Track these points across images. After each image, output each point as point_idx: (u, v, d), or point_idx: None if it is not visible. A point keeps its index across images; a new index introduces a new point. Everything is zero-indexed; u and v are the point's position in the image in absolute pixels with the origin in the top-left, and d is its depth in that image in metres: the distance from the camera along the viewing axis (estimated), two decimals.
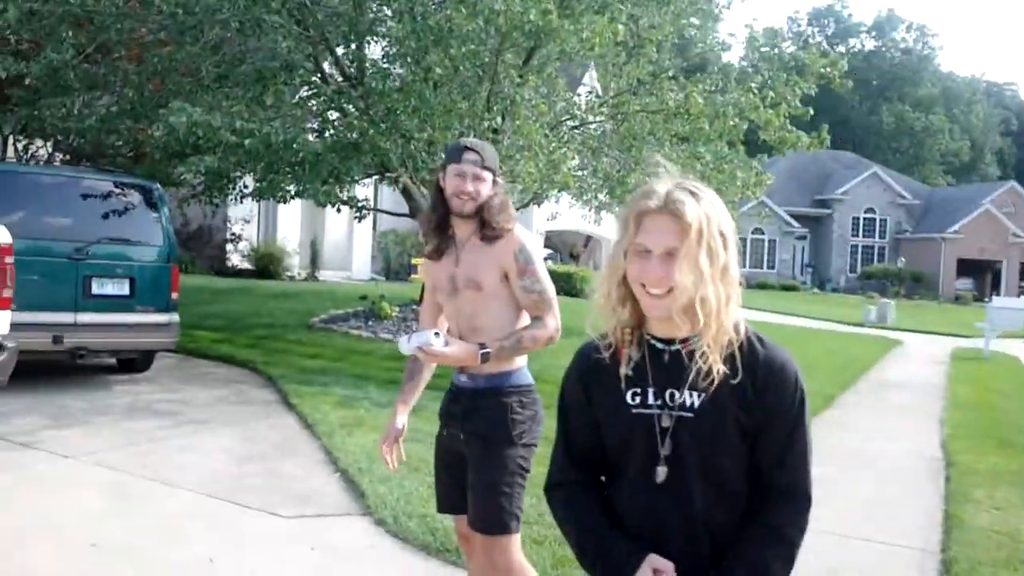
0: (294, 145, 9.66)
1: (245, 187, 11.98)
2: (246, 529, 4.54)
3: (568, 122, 12.28)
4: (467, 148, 2.82)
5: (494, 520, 2.78)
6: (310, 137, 10.72)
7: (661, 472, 1.60)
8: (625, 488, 1.67)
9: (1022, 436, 8.29)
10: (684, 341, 1.63)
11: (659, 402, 1.62)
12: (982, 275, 45.62)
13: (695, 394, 1.60)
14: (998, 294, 36.70)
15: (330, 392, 7.85)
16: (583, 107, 12.51)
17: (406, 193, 12.23)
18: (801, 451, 1.61)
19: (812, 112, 11.98)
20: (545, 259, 3.02)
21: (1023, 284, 44.90)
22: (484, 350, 2.74)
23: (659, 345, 1.65)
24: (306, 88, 11.69)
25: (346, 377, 8.66)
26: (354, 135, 10.18)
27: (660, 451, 1.60)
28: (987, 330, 17.18)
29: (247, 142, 9.36)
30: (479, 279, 2.82)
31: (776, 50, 12.78)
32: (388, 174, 11.39)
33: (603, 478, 1.76)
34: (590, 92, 14.50)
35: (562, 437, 1.77)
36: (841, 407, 9.57)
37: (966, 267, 45.15)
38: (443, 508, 3.04)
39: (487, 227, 2.81)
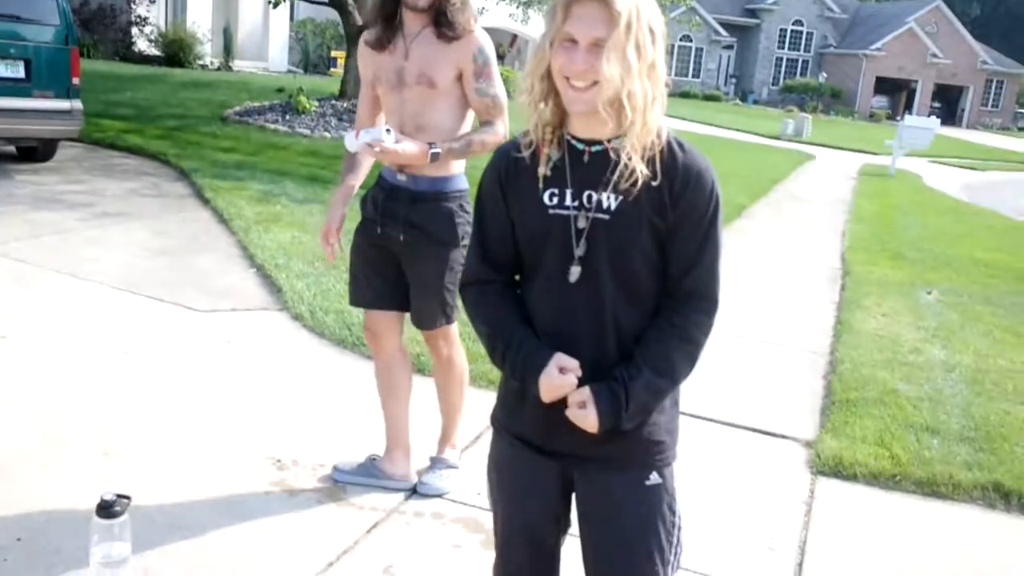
0: None
1: None
2: (160, 322, 4.55)
3: None
4: None
5: (441, 313, 2.91)
6: None
7: (575, 272, 1.62)
8: (538, 287, 1.69)
9: (913, 250, 8.76)
10: (606, 142, 1.62)
11: (576, 203, 1.62)
12: (898, 94, 46.34)
13: (613, 196, 1.60)
14: (911, 113, 37.53)
15: (246, 187, 7.69)
16: None
17: None
18: (711, 257, 1.65)
19: None
20: None
21: (935, 105, 45.89)
22: (434, 149, 2.69)
23: (579, 146, 1.63)
24: None
25: (262, 172, 8.46)
26: None
27: (575, 251, 1.62)
28: (895, 148, 17.69)
29: None
30: (433, 75, 2.73)
31: None
32: None
33: (517, 277, 1.78)
34: None
35: (478, 236, 1.77)
36: (750, 217, 9.88)
37: (884, 85, 45.71)
38: (357, 302, 3.06)
39: (447, 26, 2.69)
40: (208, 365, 4.06)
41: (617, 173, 1.58)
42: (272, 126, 11.45)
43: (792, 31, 47.65)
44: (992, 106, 49.53)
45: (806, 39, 48.02)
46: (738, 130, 24.10)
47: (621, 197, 1.60)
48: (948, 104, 47.57)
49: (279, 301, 4.94)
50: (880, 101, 45.57)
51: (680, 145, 1.63)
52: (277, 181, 8.09)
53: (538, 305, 1.69)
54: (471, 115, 2.84)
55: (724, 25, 45.57)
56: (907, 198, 13.66)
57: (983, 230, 10.92)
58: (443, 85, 2.74)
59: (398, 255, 2.87)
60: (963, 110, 48.35)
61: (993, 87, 49.36)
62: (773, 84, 47.46)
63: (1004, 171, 23.20)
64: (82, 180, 7.73)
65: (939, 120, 20.94)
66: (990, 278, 7.75)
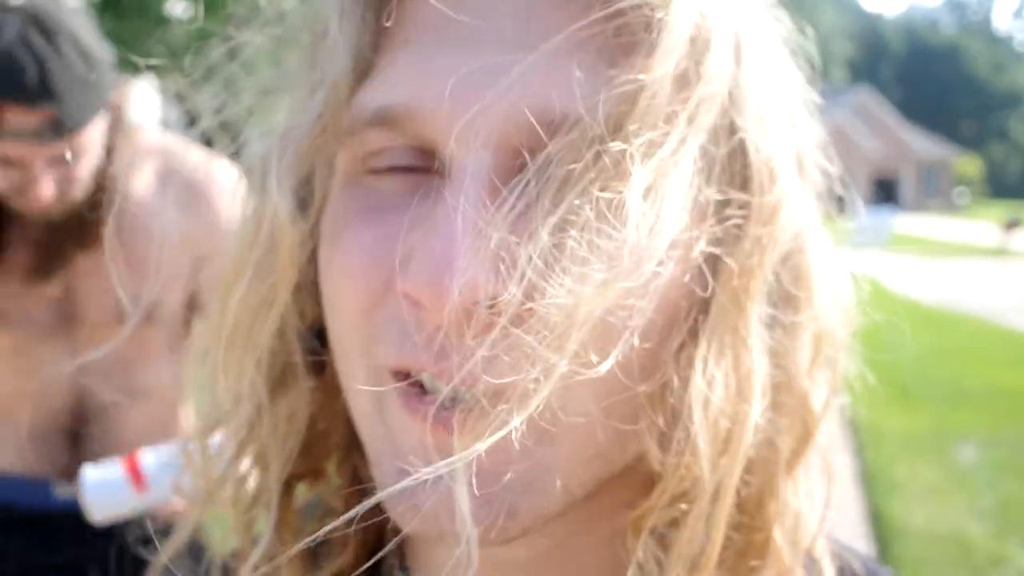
0: None
1: None
2: None
3: None
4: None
5: None
6: None
7: None
8: None
9: (918, 381, 7.57)
10: None
11: None
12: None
13: None
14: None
15: None
16: None
17: None
18: None
19: None
20: None
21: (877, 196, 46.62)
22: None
23: None
24: None
25: None
26: None
27: None
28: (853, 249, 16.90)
29: None
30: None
31: None
32: None
33: None
34: None
35: None
36: None
37: None
38: None
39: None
40: None
41: None
42: None
43: None
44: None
45: None
46: None
47: None
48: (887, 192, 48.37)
49: None
50: None
51: None
52: None
53: None
54: None
55: None
56: (876, 309, 12.56)
57: (979, 344, 9.85)
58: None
59: None
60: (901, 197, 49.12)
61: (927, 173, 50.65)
62: None
63: (955, 259, 22.53)
64: None
65: (892, 210, 20.24)
66: (1021, 413, 6.57)
